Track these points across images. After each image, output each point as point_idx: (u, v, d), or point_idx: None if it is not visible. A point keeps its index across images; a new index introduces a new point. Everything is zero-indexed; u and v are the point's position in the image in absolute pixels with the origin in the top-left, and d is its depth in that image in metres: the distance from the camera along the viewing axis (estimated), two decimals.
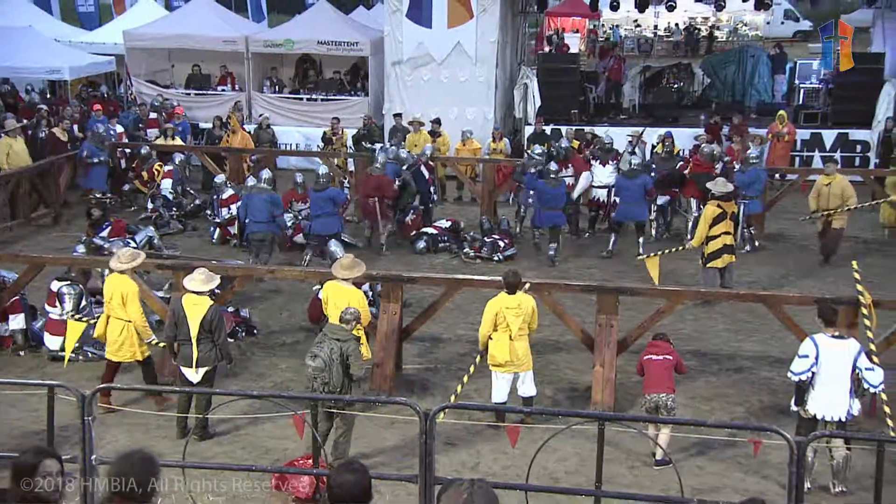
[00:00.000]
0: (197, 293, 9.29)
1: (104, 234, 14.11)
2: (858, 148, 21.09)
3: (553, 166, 15.48)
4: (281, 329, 12.44)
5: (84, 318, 11.02)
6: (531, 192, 15.70)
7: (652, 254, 13.79)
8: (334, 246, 13.19)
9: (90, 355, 11.26)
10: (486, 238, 15.76)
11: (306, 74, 24.57)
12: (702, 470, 8.81)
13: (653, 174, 15.96)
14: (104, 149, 17.77)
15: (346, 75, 24.42)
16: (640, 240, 15.43)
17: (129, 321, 9.83)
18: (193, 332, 9.15)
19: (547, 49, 27.80)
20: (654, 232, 16.43)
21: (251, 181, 16.88)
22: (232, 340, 11.01)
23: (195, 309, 9.21)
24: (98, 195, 17.17)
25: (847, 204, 14.81)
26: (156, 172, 17.78)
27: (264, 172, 15.45)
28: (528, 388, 9.73)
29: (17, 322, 11.48)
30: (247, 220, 14.35)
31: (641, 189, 15.40)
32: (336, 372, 8.42)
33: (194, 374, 9.26)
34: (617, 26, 44.37)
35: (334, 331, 8.66)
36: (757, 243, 15.85)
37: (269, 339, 12.12)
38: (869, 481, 7.59)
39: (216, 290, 10.86)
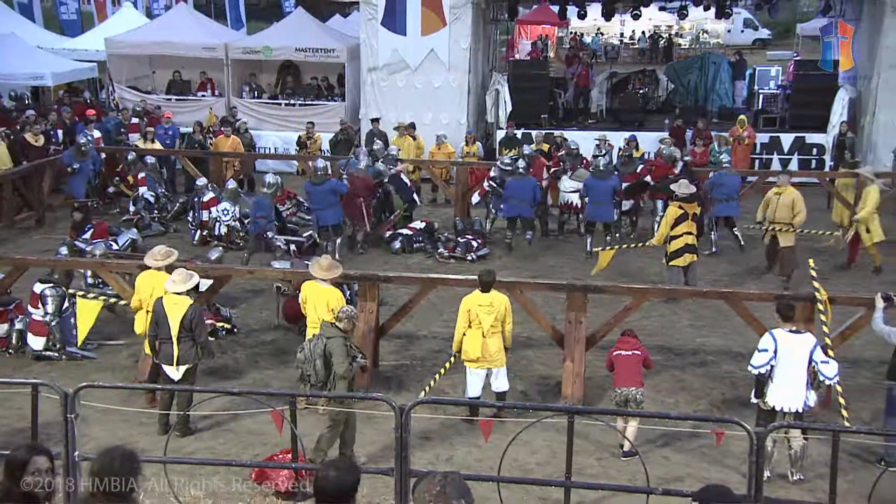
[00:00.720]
0: (177, 293, 9.24)
1: (87, 236, 13.99)
2: (814, 151, 21.31)
3: (521, 164, 15.79)
4: (261, 328, 12.39)
5: (101, 297, 11.07)
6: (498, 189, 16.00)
7: (608, 247, 13.89)
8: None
9: (73, 354, 11.20)
10: (459, 238, 15.80)
11: (286, 80, 24.49)
12: (667, 460, 8.87)
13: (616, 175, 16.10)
14: (83, 158, 17.52)
15: (324, 81, 24.36)
16: (608, 238, 15.55)
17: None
18: (174, 330, 9.11)
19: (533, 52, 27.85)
20: (617, 233, 16.50)
21: (231, 184, 16.83)
22: (213, 339, 10.95)
23: (175, 308, 9.17)
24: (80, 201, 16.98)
25: (793, 222, 13.94)
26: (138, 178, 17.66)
27: (268, 177, 15.57)
28: (500, 383, 9.74)
29: (21, 323, 11.40)
30: None
31: (611, 190, 15.54)
32: (318, 367, 8.39)
33: (175, 372, 9.22)
34: (598, 33, 44.60)
35: (325, 327, 8.66)
36: (716, 248, 15.73)
37: (249, 337, 12.07)
38: (825, 469, 7.68)
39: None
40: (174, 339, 9.12)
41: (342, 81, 23.82)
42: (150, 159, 18.10)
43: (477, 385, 9.64)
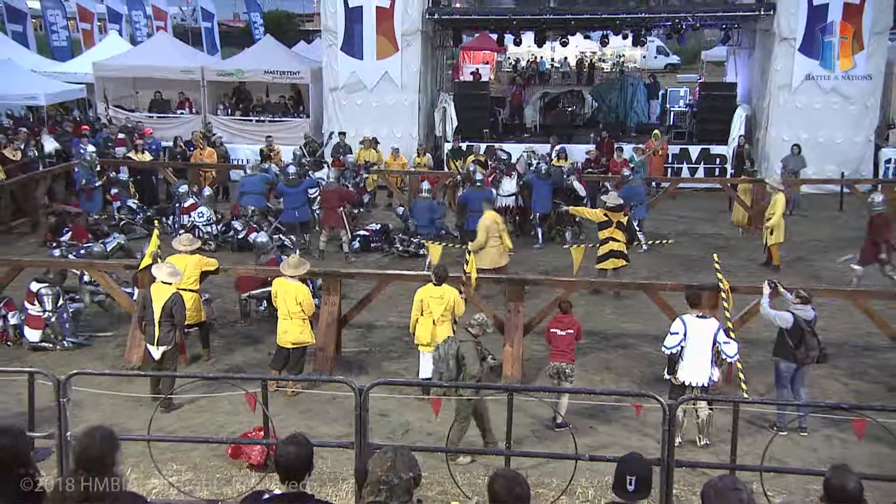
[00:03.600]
0: (164, 283, 9.39)
1: (66, 238, 13.69)
2: (718, 160, 21.69)
3: (479, 175, 15.73)
4: (236, 319, 12.23)
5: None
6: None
7: (576, 245, 13.80)
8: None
9: (66, 345, 10.96)
10: (412, 238, 15.76)
11: (240, 99, 24.21)
12: (594, 430, 8.95)
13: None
14: (95, 174, 17.06)
15: (290, 99, 24.16)
16: (540, 230, 15.89)
17: (197, 291, 10.49)
18: (157, 314, 9.24)
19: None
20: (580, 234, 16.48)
21: (207, 191, 16.57)
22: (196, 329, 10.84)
23: (160, 295, 9.30)
24: (75, 210, 16.53)
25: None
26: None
27: (424, 184, 15.45)
28: None
29: (15, 318, 11.13)
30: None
31: (551, 188, 15.92)
32: (450, 366, 8.16)
33: (156, 351, 9.33)
34: (540, 58, 44.97)
35: (461, 331, 8.41)
36: (646, 245, 15.61)
37: (225, 328, 11.92)
38: (727, 435, 7.80)
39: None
40: (156, 322, 9.24)
41: (307, 99, 23.68)
42: (122, 176, 17.78)
43: (429, 366, 9.61)
